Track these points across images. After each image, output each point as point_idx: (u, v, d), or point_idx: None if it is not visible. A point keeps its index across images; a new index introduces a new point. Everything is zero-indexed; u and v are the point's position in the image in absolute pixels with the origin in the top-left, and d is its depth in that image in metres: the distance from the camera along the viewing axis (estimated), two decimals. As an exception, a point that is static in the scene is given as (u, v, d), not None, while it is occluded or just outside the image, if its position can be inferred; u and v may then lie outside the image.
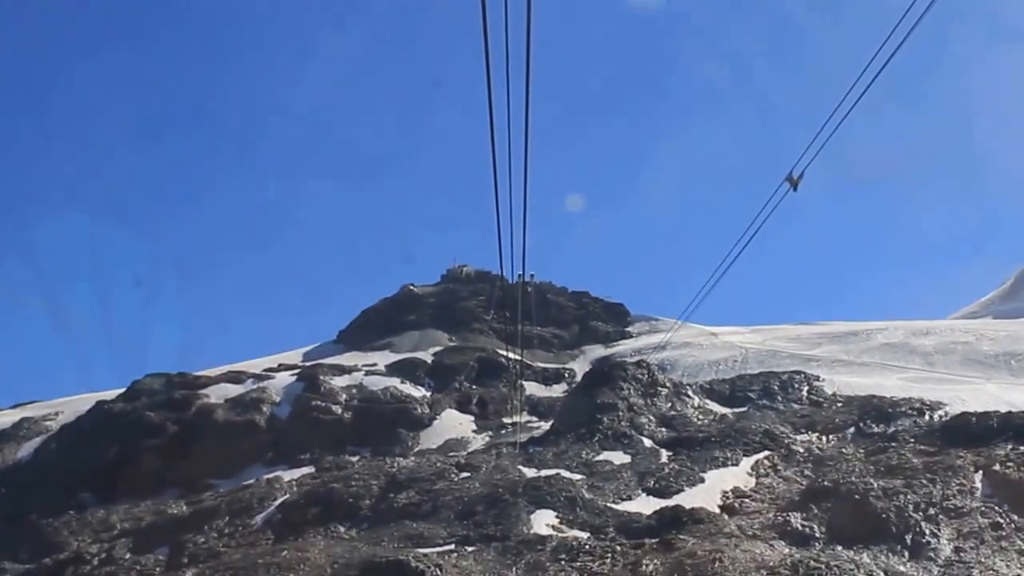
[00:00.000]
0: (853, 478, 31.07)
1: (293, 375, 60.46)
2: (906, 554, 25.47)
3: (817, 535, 27.37)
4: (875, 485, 29.45)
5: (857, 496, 28.85)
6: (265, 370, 64.56)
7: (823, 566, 22.52)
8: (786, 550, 25.80)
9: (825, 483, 31.23)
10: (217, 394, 55.47)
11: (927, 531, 26.34)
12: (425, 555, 26.64)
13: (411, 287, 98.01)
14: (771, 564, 23.63)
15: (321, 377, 58.64)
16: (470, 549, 28.22)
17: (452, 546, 28.98)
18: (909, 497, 28.28)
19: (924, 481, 29.66)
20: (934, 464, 31.29)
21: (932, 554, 25.28)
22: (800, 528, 27.88)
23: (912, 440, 35.92)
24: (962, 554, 25.02)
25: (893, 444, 35.74)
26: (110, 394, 58.04)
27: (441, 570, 25.27)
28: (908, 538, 26.15)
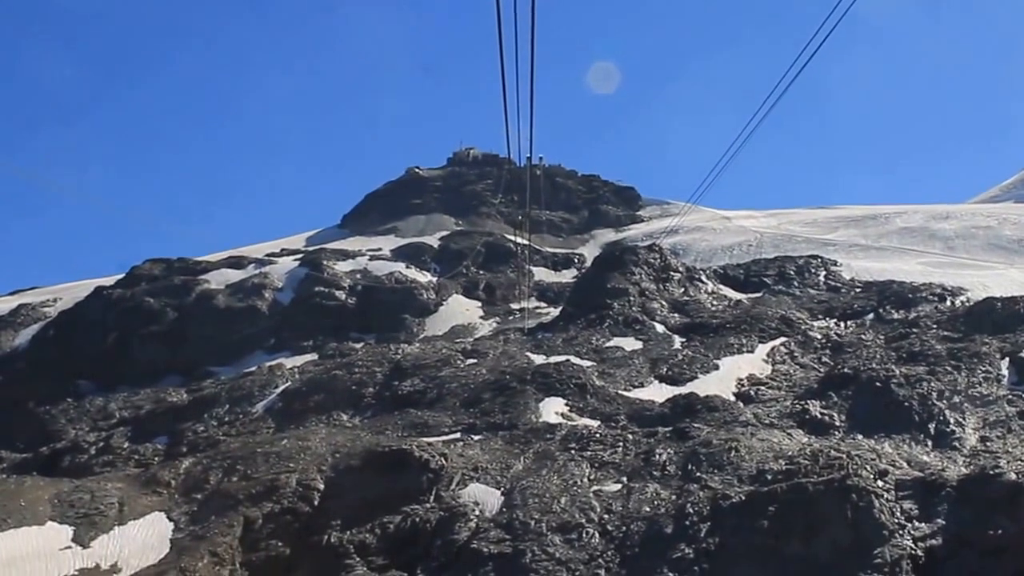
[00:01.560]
0: (874, 365, 30.17)
1: (296, 260, 59.35)
2: (929, 443, 24.65)
3: (837, 424, 26.58)
4: (897, 372, 28.57)
5: (878, 383, 28.02)
6: (267, 255, 63.60)
7: (843, 456, 21.59)
8: (804, 439, 25.10)
9: (845, 370, 30.34)
10: (218, 279, 54.46)
11: (951, 420, 25.50)
12: (430, 444, 25.98)
13: (417, 170, 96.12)
14: (789, 454, 22.82)
15: (324, 262, 57.53)
16: (476, 438, 27.61)
17: (458, 435, 28.45)
18: (932, 385, 27.42)
19: (948, 368, 28.81)
20: (958, 351, 30.29)
21: (957, 443, 24.45)
22: (819, 416, 27.07)
23: (934, 326, 34.72)
24: (988, 443, 24.15)
25: (915, 330, 34.54)
26: (109, 280, 57.03)
27: (446, 459, 24.61)
28: (932, 427, 25.33)
